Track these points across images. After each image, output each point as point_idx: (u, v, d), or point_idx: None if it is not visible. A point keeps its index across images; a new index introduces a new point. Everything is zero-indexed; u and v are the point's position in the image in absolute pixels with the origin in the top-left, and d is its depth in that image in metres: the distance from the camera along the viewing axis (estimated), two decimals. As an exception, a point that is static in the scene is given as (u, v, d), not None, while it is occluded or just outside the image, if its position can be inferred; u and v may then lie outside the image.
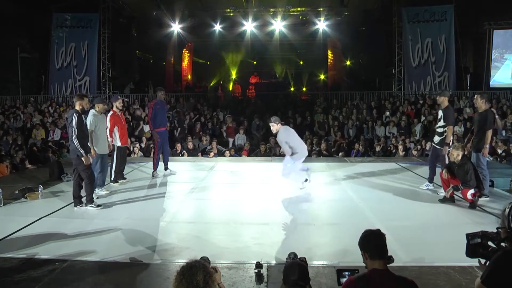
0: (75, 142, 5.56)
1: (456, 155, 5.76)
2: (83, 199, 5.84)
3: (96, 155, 6.33)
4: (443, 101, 6.71)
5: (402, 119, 13.21)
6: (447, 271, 3.68)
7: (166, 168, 8.21)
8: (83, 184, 5.84)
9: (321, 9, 18.47)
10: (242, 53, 22.79)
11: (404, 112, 14.15)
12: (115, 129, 7.15)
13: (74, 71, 17.24)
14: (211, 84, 22.66)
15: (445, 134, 6.52)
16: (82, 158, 5.61)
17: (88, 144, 6.01)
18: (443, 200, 5.97)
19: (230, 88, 22.19)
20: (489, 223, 4.65)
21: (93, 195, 6.31)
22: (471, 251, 2.38)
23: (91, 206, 5.77)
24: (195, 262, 2.01)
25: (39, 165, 9.99)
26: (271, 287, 3.47)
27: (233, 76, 24.14)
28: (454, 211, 5.63)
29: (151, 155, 10.91)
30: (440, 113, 6.71)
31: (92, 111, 6.53)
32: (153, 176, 7.99)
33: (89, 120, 6.31)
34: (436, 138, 6.77)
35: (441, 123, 6.61)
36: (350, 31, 20.33)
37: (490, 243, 2.34)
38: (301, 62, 24.88)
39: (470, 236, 2.38)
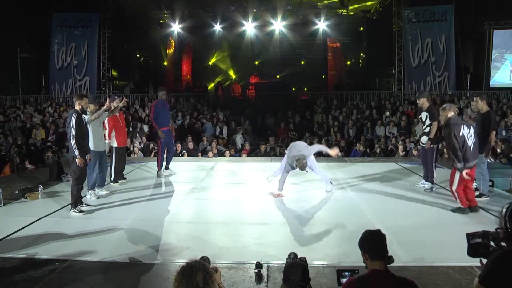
0: (72, 142, 5.49)
1: (445, 117, 5.41)
2: (83, 199, 5.84)
3: (95, 155, 6.30)
4: (423, 102, 6.72)
5: (402, 119, 13.20)
6: (447, 271, 3.68)
7: (167, 168, 8.21)
8: (70, 185, 5.71)
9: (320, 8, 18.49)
10: (242, 53, 22.75)
11: (404, 112, 14.14)
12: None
13: (74, 71, 17.22)
14: (211, 86, 22.60)
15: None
16: (76, 160, 5.50)
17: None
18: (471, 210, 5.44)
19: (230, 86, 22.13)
20: (489, 223, 4.65)
21: (93, 196, 6.33)
22: (472, 251, 2.37)
23: (74, 211, 5.53)
24: (195, 262, 2.01)
25: (39, 165, 9.98)
26: (271, 287, 3.47)
27: (233, 76, 24.11)
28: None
29: (151, 155, 11.01)
30: (425, 114, 6.70)
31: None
32: (157, 175, 7.99)
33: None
34: (424, 138, 6.77)
35: (428, 122, 6.61)
36: (350, 31, 20.33)
37: (492, 243, 2.34)
38: (302, 62, 24.87)
39: (470, 236, 2.38)
